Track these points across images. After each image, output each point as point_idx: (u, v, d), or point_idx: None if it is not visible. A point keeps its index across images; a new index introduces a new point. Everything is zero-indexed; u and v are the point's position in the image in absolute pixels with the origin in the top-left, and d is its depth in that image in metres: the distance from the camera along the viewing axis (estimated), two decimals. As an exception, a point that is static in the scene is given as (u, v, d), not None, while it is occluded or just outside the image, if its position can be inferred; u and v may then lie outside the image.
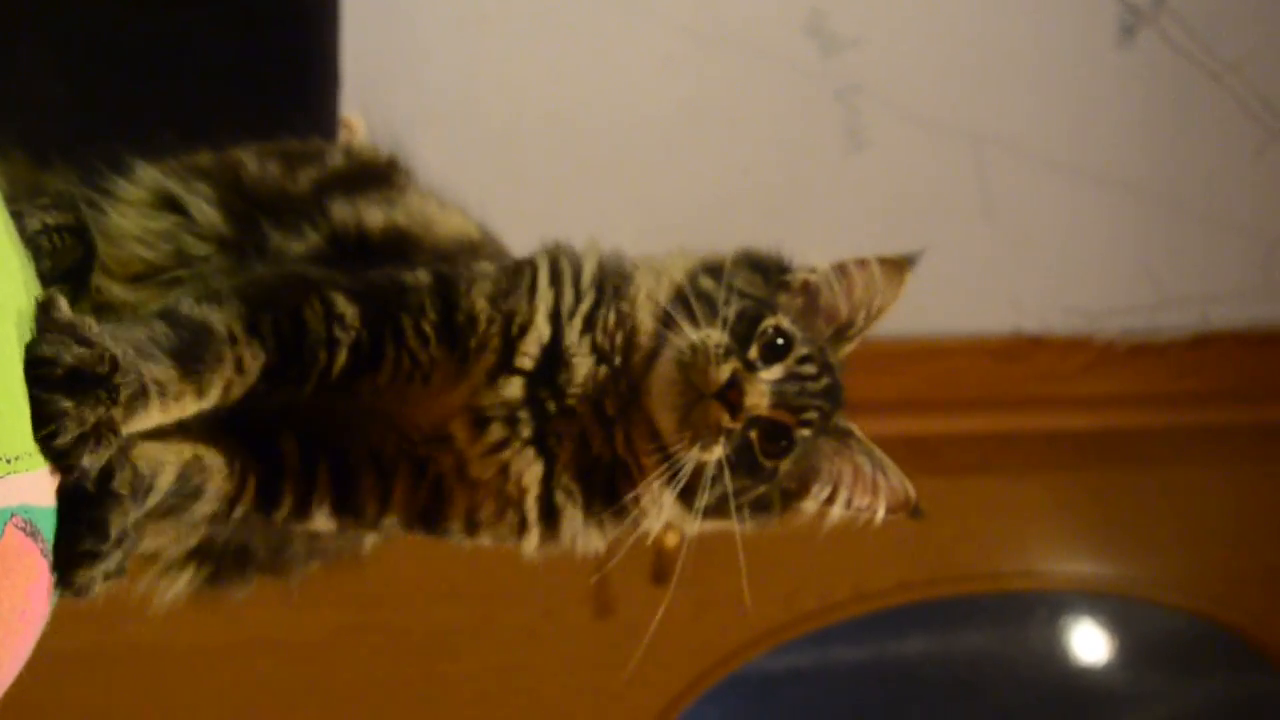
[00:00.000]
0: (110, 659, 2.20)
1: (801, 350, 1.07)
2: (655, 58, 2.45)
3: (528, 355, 1.04)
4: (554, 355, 1.05)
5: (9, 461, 0.73)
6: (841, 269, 1.13)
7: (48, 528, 0.78)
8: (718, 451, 1.03)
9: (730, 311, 1.05)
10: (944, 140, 2.53)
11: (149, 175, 1.14)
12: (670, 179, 2.46)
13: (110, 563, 0.81)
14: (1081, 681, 2.90)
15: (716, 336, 1.04)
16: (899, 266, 1.14)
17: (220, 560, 1.11)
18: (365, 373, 1.01)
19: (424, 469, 1.05)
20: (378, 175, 1.20)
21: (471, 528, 1.08)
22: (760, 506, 1.08)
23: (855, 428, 1.11)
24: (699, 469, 1.03)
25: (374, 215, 1.14)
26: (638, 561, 1.15)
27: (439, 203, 1.20)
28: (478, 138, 2.39)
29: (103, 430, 0.78)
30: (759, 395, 1.03)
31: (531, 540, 1.09)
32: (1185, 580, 2.73)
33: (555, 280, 1.07)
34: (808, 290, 1.12)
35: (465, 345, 1.03)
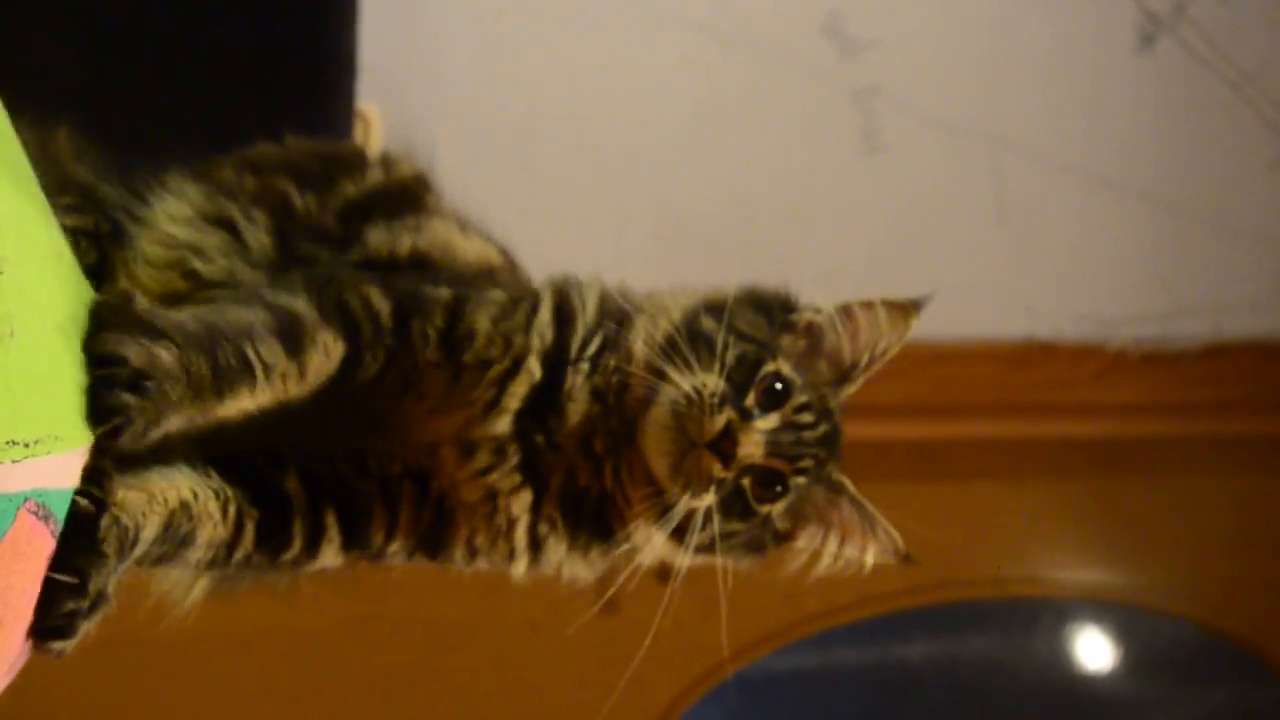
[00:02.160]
0: (114, 647, 2.20)
1: (800, 398, 1.06)
2: (672, 56, 2.45)
3: (515, 396, 1.04)
4: (546, 396, 1.04)
5: (27, 445, 0.73)
6: (846, 311, 1.11)
7: (62, 509, 0.78)
8: (709, 499, 1.02)
9: (729, 356, 1.04)
10: (960, 144, 2.53)
11: (194, 192, 1.15)
12: (685, 178, 2.46)
13: (88, 622, 0.82)
14: (1085, 689, 2.89)
15: (712, 384, 1.03)
16: (905, 310, 1.12)
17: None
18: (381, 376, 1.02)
19: (427, 489, 1.05)
20: (410, 198, 1.21)
21: (471, 554, 1.08)
22: (752, 546, 1.09)
23: (847, 481, 1.11)
24: (690, 513, 1.03)
25: (404, 242, 1.14)
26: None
27: (461, 227, 1.20)
28: (494, 132, 2.39)
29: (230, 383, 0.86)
30: (753, 445, 1.03)
31: (519, 567, 1.09)
32: (1192, 590, 2.72)
33: (564, 320, 1.07)
34: (811, 332, 1.11)
35: (460, 357, 1.03)
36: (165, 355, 0.83)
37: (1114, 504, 2.70)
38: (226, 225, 1.12)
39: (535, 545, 1.08)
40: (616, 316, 1.08)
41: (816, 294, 1.13)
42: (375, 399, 1.02)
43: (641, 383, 1.04)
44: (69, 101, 1.20)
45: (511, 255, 1.24)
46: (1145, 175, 2.60)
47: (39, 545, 0.76)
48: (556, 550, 1.08)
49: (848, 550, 1.11)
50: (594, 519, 1.08)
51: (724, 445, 1.01)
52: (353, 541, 1.05)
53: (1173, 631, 2.81)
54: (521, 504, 1.06)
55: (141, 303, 0.86)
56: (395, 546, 1.07)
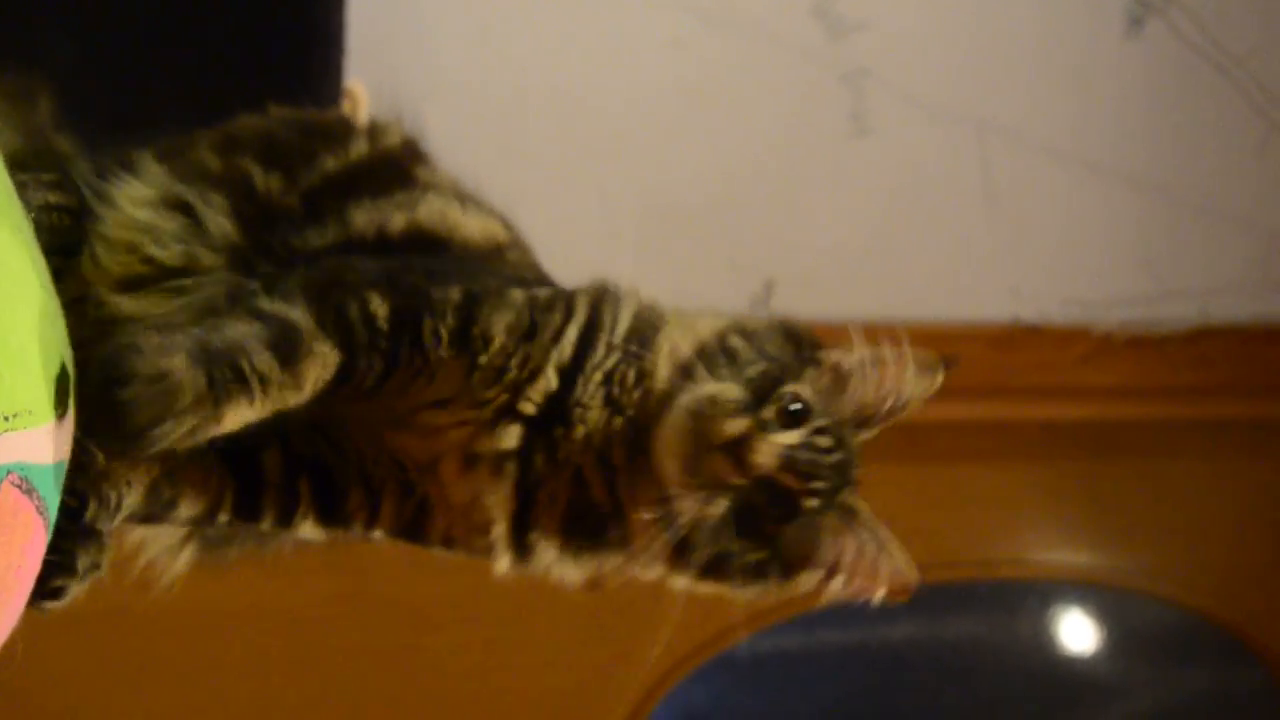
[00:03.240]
0: (98, 623, 2.20)
1: (819, 421, 1.03)
2: (661, 38, 2.45)
3: (532, 401, 1.02)
4: (557, 407, 1.03)
5: (7, 419, 0.73)
6: (877, 358, 1.09)
7: (44, 484, 0.78)
8: (720, 506, 1.00)
9: (753, 370, 1.03)
10: (948, 127, 2.53)
11: (157, 174, 1.12)
12: (673, 158, 2.45)
13: (80, 587, 0.84)
14: (1069, 670, 2.91)
15: (734, 391, 1.01)
16: (933, 366, 1.10)
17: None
18: (385, 379, 1.01)
19: (410, 492, 1.05)
20: (398, 171, 1.18)
21: (448, 544, 1.07)
22: (758, 573, 1.05)
23: (863, 506, 1.08)
24: (698, 523, 1.00)
25: (396, 219, 1.12)
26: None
27: (460, 201, 1.18)
28: (481, 112, 2.39)
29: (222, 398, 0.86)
30: (768, 454, 1.00)
31: (502, 564, 1.07)
32: (1176, 573, 2.74)
33: (589, 336, 1.05)
34: (837, 371, 1.08)
35: (475, 356, 1.01)
36: (175, 363, 0.85)
37: (1099, 487, 2.71)
38: (184, 209, 1.10)
39: (523, 548, 1.06)
40: (648, 330, 1.06)
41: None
42: (369, 401, 1.01)
43: (663, 391, 1.02)
44: (54, 77, 1.19)
45: (515, 228, 1.21)
46: (1133, 159, 2.60)
47: (24, 518, 0.76)
48: (545, 555, 1.06)
49: (859, 580, 1.07)
50: (594, 526, 1.05)
51: (739, 450, 0.99)
52: (332, 519, 1.05)
53: (1156, 614, 2.83)
54: (501, 515, 1.04)
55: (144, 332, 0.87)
56: (378, 534, 1.07)
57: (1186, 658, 2.94)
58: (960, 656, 2.88)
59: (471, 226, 1.16)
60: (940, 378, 1.10)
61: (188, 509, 0.97)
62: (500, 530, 1.05)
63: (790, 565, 1.06)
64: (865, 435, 1.09)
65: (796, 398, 1.03)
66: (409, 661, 2.54)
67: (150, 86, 1.67)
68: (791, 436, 1.02)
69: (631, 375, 1.03)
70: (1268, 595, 2.74)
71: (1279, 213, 2.65)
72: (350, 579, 2.36)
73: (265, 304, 0.96)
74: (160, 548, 1.06)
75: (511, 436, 1.02)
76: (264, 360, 0.90)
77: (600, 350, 1.04)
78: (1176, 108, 2.60)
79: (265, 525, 1.03)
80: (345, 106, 1.84)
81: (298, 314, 0.96)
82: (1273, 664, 2.79)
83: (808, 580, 1.07)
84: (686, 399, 1.01)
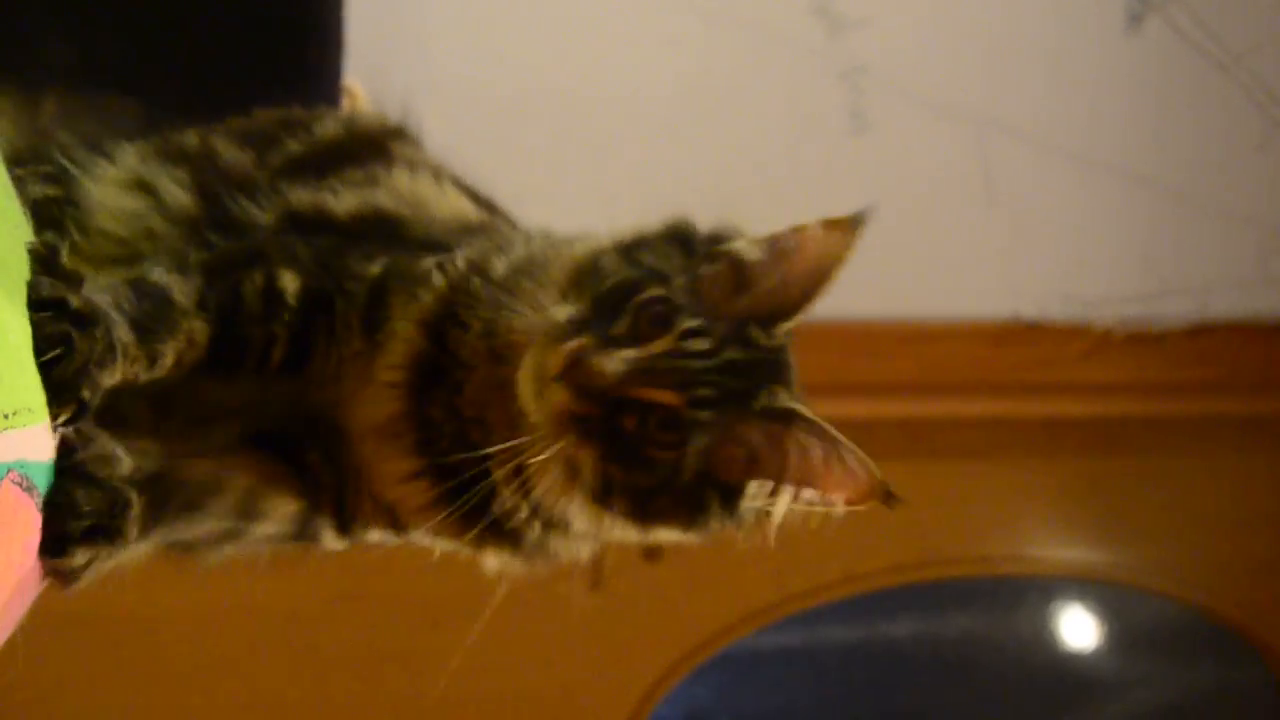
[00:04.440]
0: (99, 623, 2.21)
1: (689, 322, 0.93)
2: (661, 34, 2.45)
3: (397, 368, 0.98)
4: (439, 363, 0.98)
5: (6, 417, 0.73)
6: (773, 239, 1.00)
7: (43, 483, 0.78)
8: (570, 441, 0.92)
9: (606, 284, 0.95)
10: (948, 124, 2.53)
11: (130, 159, 1.13)
12: (673, 156, 2.45)
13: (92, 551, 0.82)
14: (1069, 666, 2.91)
15: (564, 313, 0.93)
16: (843, 227, 0.99)
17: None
18: (303, 362, 0.98)
19: (345, 476, 1.03)
20: (371, 147, 1.17)
21: (433, 538, 1.06)
22: (692, 507, 0.96)
23: (803, 407, 0.96)
24: (571, 466, 0.93)
25: (344, 201, 1.09)
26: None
27: (435, 179, 1.16)
28: (481, 110, 2.39)
29: (100, 364, 0.81)
30: (608, 368, 0.90)
31: (490, 563, 1.06)
32: (1175, 569, 2.73)
33: (458, 288, 0.99)
34: (735, 264, 0.99)
35: (376, 338, 0.98)
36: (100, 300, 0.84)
37: (1099, 483, 2.71)
38: (147, 187, 1.10)
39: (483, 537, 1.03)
40: (537, 269, 1.00)
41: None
42: (319, 393, 1.00)
43: (523, 322, 0.95)
44: (55, 76, 1.20)
45: (498, 207, 1.19)
46: (1132, 156, 2.60)
47: (24, 516, 0.76)
48: (498, 555, 1.04)
49: (806, 494, 0.95)
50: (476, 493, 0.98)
51: (575, 373, 0.90)
52: (343, 526, 1.04)
53: (1156, 610, 2.83)
54: (419, 495, 1.00)
55: (64, 259, 0.84)
56: (375, 535, 1.05)
57: (1187, 653, 2.93)
58: (961, 653, 2.88)
59: (443, 204, 1.13)
60: (855, 237, 0.99)
61: (273, 522, 0.97)
62: (430, 512, 1.00)
63: (730, 489, 0.96)
64: (787, 325, 0.98)
65: (659, 300, 0.94)
66: (409, 661, 2.54)
67: (149, 88, 1.67)
68: (639, 349, 0.92)
69: (510, 321, 0.96)
70: (1267, 590, 2.74)
71: (1278, 209, 2.64)
72: (350, 578, 2.35)
73: (156, 276, 0.94)
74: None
75: (389, 397, 0.97)
76: (124, 332, 0.87)
77: (480, 295, 0.98)
78: (1176, 105, 2.60)
79: (328, 538, 1.02)
80: (345, 105, 1.84)
81: (180, 290, 0.93)
82: (1273, 659, 2.79)
83: (753, 497, 0.96)
84: (536, 330, 0.94)
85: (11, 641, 0.81)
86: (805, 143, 2.53)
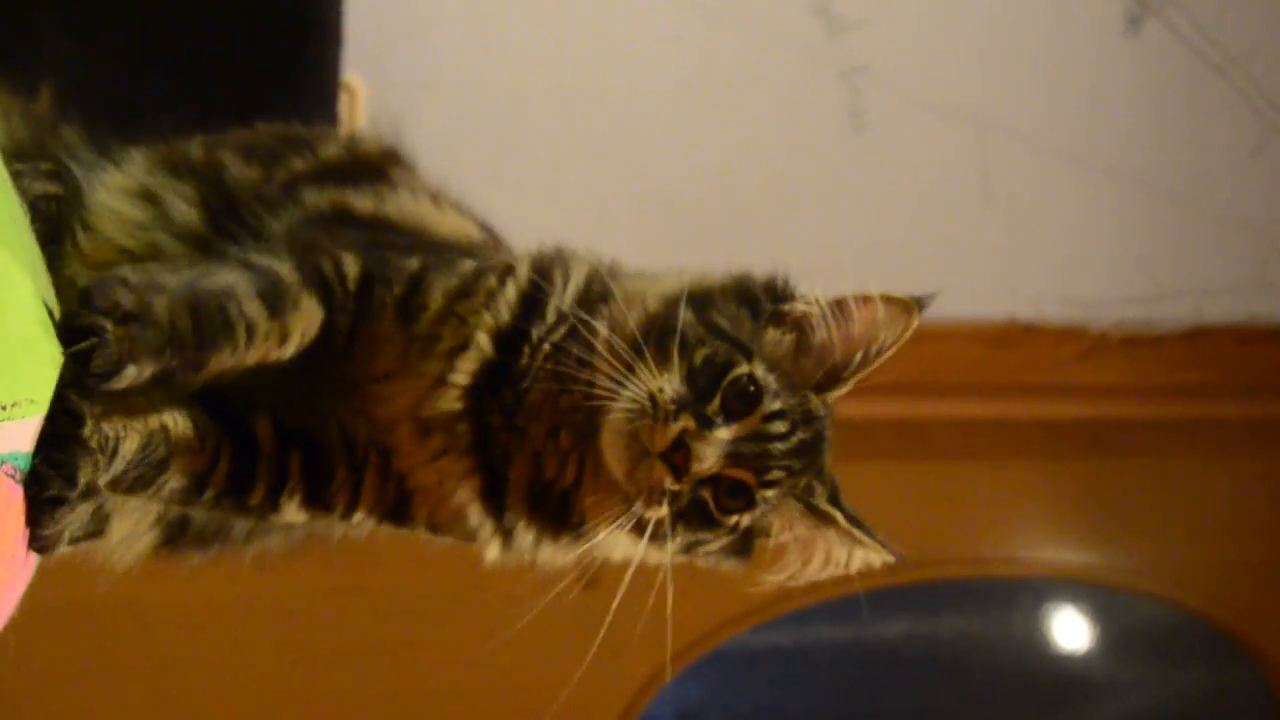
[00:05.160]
0: (92, 616, 2.20)
1: (772, 405, 0.99)
2: (661, 33, 2.45)
3: (463, 372, 1.00)
4: (503, 375, 1.00)
5: (5, 409, 0.73)
6: (840, 305, 1.03)
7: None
8: (662, 511, 0.97)
9: (697, 357, 0.98)
10: (946, 125, 2.53)
11: (137, 167, 1.13)
12: (671, 155, 2.45)
13: (76, 518, 0.81)
14: (1062, 668, 2.91)
15: (670, 389, 0.97)
16: (906, 307, 1.02)
17: (183, 529, 1.09)
18: (351, 341, 1.00)
19: (390, 465, 1.03)
20: (371, 171, 1.18)
21: (434, 529, 1.07)
22: (731, 552, 1.04)
23: (838, 515, 1.04)
24: (653, 517, 0.98)
25: (361, 202, 1.12)
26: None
27: (435, 203, 1.17)
28: (479, 107, 2.39)
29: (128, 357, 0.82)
30: (708, 458, 0.96)
31: (491, 551, 1.06)
32: (1168, 572, 2.74)
33: (535, 299, 1.02)
34: (801, 326, 1.03)
35: (412, 328, 1.00)
36: (158, 302, 0.84)
37: (1093, 485, 2.72)
38: (153, 199, 1.10)
39: (505, 532, 1.05)
40: (599, 298, 1.03)
41: (812, 278, 1.05)
42: (340, 365, 1.01)
43: (606, 377, 0.98)
44: (54, 69, 1.20)
45: (496, 232, 1.21)
46: (1130, 159, 2.60)
47: (18, 508, 0.76)
48: (525, 537, 1.05)
49: (828, 571, 1.06)
50: (560, 509, 1.04)
51: (676, 457, 0.96)
52: (314, 498, 1.03)
53: (1148, 612, 2.83)
54: (468, 490, 1.02)
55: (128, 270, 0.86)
56: (359, 516, 1.05)
57: (1179, 656, 2.94)
58: (954, 654, 2.88)
59: (444, 224, 1.15)
60: (915, 320, 1.03)
61: (177, 474, 0.96)
62: (475, 511, 1.03)
63: (766, 534, 1.05)
64: (839, 392, 1.04)
65: (750, 380, 0.99)
66: (403, 656, 2.54)
67: (148, 79, 1.67)
68: (738, 429, 0.98)
69: (575, 352, 0.99)
70: (1260, 594, 2.75)
71: (1275, 213, 2.65)
72: (346, 573, 2.35)
73: (254, 257, 0.96)
74: (120, 535, 1.04)
75: (450, 399, 1.00)
76: (253, 307, 0.89)
77: (550, 316, 1.01)
78: (1174, 108, 2.60)
79: (254, 500, 1.01)
80: (343, 101, 1.84)
81: (284, 268, 0.95)
82: (1265, 662, 2.79)
83: (788, 564, 1.06)
84: (624, 400, 0.97)
85: (1, 635, 0.81)
86: (804, 142, 2.53)
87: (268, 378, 0.97)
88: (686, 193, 2.40)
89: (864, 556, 1.05)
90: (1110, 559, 2.77)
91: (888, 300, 1.02)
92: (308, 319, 0.95)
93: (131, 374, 0.83)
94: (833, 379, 1.04)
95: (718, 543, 1.02)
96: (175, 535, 1.08)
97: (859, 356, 1.03)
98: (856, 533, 1.04)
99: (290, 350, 0.94)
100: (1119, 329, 2.64)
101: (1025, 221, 2.61)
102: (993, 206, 2.58)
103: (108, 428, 0.87)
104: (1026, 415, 2.63)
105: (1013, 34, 2.54)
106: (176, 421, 0.94)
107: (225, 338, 0.88)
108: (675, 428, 0.96)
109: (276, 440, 1.01)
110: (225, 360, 0.89)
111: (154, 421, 0.92)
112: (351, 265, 1.00)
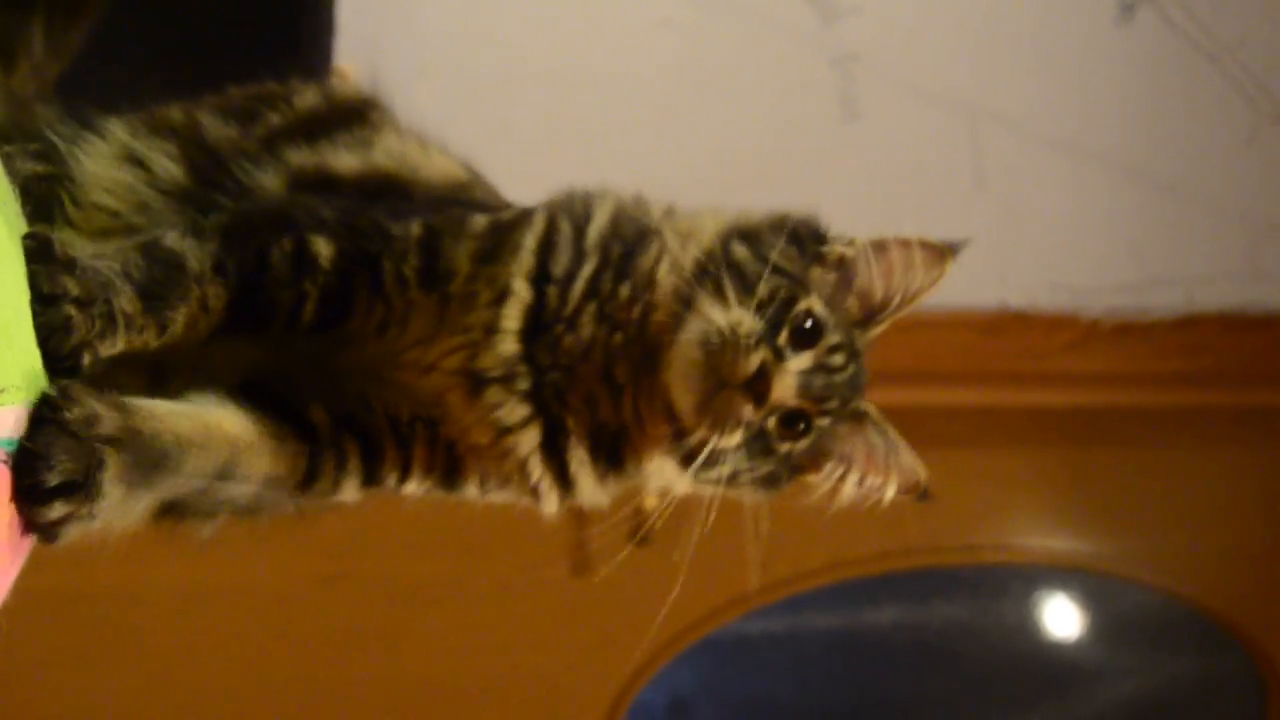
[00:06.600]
0: (87, 600, 2.21)
1: (832, 338, 1.03)
2: (652, 19, 2.44)
3: (511, 318, 1.01)
4: (545, 318, 1.02)
5: (-7, 394, 0.73)
6: (881, 246, 1.07)
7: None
8: (736, 438, 1.00)
9: (763, 290, 1.00)
10: (938, 112, 2.53)
11: (119, 133, 1.13)
12: (663, 140, 2.45)
13: (74, 507, 0.80)
14: (1053, 656, 2.92)
15: (749, 323, 0.99)
16: (941, 253, 1.09)
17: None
18: (339, 319, 1.00)
19: (437, 433, 1.03)
20: (352, 114, 1.18)
21: (485, 489, 1.07)
22: (768, 481, 1.06)
23: (871, 408, 1.08)
24: (713, 451, 1.00)
25: (344, 160, 1.12)
26: (618, 521, 1.14)
27: (420, 143, 1.18)
28: (473, 91, 2.38)
29: (100, 337, 0.83)
30: (786, 389, 1.00)
31: (550, 502, 1.07)
32: (1159, 559, 2.74)
33: (547, 245, 1.03)
34: (843, 266, 1.07)
35: (446, 290, 1.00)
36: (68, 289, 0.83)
37: (1084, 473, 2.72)
38: (139, 160, 1.10)
39: (565, 480, 1.06)
40: (632, 235, 1.05)
41: (845, 225, 1.10)
42: (363, 345, 1.01)
43: (667, 312, 1.01)
44: (34, 52, 1.19)
45: (477, 170, 1.21)
46: (1122, 147, 2.60)
47: (6, 495, 0.76)
48: (586, 484, 1.06)
49: (870, 478, 1.09)
50: (610, 448, 1.05)
51: (759, 386, 0.99)
52: (370, 478, 1.04)
53: (1139, 599, 2.84)
54: (529, 441, 1.03)
55: (59, 245, 0.84)
56: (412, 486, 1.06)
57: (1170, 643, 2.95)
58: (945, 641, 2.89)
59: (433, 165, 1.15)
60: (948, 266, 1.10)
61: (245, 481, 0.96)
62: (536, 462, 1.04)
63: (800, 469, 1.07)
64: (876, 331, 1.09)
65: (810, 315, 1.02)
66: (395, 641, 2.54)
67: (137, 61, 1.66)
68: (806, 360, 1.02)
69: (625, 288, 1.02)
70: (1251, 581, 2.75)
71: (1267, 201, 2.65)
72: (338, 560, 2.36)
73: (169, 240, 0.94)
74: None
75: (508, 344, 1.01)
76: (128, 301, 0.87)
77: (565, 256, 1.03)
78: (1167, 96, 2.60)
79: (321, 487, 1.02)
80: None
81: (195, 255, 0.94)
82: (1255, 649, 2.80)
83: (821, 484, 1.08)
84: (696, 330, 0.99)
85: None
86: (796, 129, 2.53)
87: (288, 367, 0.98)
88: (677, 179, 2.39)
89: (897, 475, 1.09)
90: (1101, 546, 2.78)
91: (925, 245, 1.08)
92: (201, 309, 0.94)
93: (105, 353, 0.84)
94: (870, 319, 1.08)
95: (761, 471, 1.04)
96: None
97: (897, 299, 1.08)
98: (889, 430, 1.09)
99: (171, 339, 0.92)
100: (1110, 317, 2.64)
101: (1017, 209, 2.61)
102: (984, 194, 2.58)
103: (169, 437, 0.87)
104: (1017, 403, 2.63)
105: (1005, 21, 2.53)
106: (249, 430, 0.95)
107: (109, 329, 0.86)
108: (756, 358, 0.99)
109: (332, 426, 1.02)
110: (118, 346, 0.87)
111: (228, 429, 0.93)
112: (324, 246, 0.99)
